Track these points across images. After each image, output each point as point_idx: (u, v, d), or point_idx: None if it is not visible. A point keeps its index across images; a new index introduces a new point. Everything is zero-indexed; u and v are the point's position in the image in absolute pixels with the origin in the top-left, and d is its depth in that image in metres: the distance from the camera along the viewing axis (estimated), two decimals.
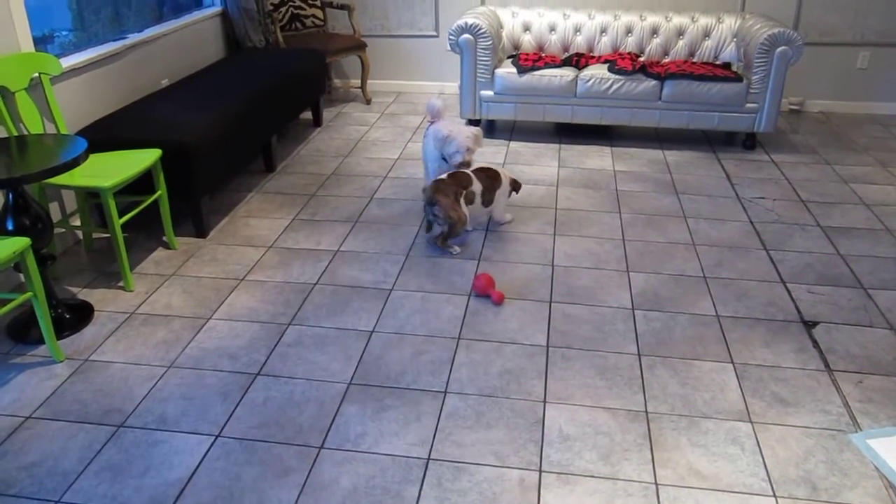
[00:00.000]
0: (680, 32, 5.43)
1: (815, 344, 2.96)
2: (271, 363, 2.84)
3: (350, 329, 3.06)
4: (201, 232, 3.84)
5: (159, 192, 3.58)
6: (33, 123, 3.35)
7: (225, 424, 2.51)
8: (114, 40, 4.25)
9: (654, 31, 5.46)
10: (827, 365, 2.83)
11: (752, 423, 2.52)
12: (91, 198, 3.62)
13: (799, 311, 3.18)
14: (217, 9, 5.44)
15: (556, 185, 4.51)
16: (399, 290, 3.35)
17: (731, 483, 2.27)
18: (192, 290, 3.37)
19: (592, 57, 5.40)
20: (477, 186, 3.72)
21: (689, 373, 2.77)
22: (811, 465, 2.34)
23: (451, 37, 5.12)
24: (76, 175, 3.27)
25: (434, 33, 6.31)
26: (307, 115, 5.82)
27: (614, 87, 4.99)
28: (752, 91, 4.91)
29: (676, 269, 3.53)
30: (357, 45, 5.94)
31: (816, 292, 3.33)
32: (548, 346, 2.93)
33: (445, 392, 2.67)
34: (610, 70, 5.02)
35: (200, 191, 3.74)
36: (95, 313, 3.19)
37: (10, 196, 2.89)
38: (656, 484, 2.26)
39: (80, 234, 3.81)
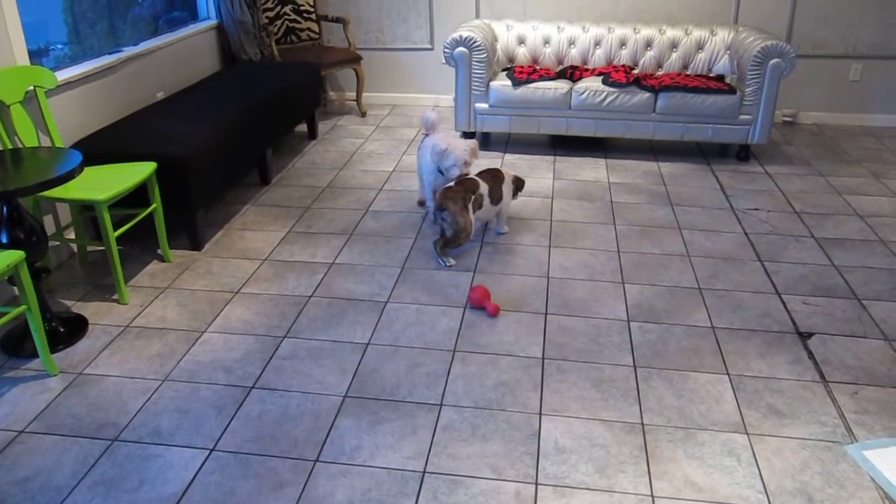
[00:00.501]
0: (673, 45, 5.46)
1: (811, 355, 2.96)
2: (266, 376, 2.83)
3: (345, 342, 3.05)
4: (196, 245, 3.84)
5: (154, 205, 3.58)
6: (28, 136, 3.35)
7: (220, 438, 2.50)
8: (109, 53, 4.26)
9: (648, 44, 5.49)
10: (822, 376, 2.83)
11: (748, 434, 2.52)
12: (86, 211, 3.61)
13: (794, 323, 3.19)
14: (212, 22, 5.45)
15: (551, 197, 4.52)
16: (394, 302, 3.35)
17: (727, 495, 2.26)
18: (186, 302, 3.36)
19: (587, 69, 5.42)
20: (484, 188, 3.76)
21: (685, 384, 2.77)
22: (807, 476, 2.33)
23: (445, 50, 5.14)
24: (71, 188, 3.27)
25: (429, 46, 6.34)
26: (302, 127, 5.83)
27: (608, 99, 5.02)
28: (745, 103, 4.93)
29: (671, 280, 3.54)
30: (352, 58, 5.96)
31: (811, 303, 3.34)
32: (543, 358, 2.93)
33: (441, 405, 2.66)
34: (604, 82, 5.04)
35: (196, 204, 3.73)
36: (90, 326, 3.18)
37: (5, 209, 2.89)
38: (652, 496, 2.26)
39: (74, 247, 3.81)
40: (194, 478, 2.33)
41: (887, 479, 2.31)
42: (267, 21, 5.91)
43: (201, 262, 3.73)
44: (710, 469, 2.36)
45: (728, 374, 2.84)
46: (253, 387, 2.77)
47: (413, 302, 3.35)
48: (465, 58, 5.10)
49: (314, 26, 6.22)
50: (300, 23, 6.15)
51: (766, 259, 3.75)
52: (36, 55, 3.77)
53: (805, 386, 2.77)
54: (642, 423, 2.57)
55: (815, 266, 3.68)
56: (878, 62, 5.81)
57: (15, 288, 3.35)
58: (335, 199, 4.50)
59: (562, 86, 5.08)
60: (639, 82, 5.02)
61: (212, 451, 2.45)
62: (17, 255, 2.68)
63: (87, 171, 3.49)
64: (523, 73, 5.20)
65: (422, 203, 4.39)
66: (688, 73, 5.42)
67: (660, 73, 5.46)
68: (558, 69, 5.48)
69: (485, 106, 5.22)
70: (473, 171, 3.90)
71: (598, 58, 5.56)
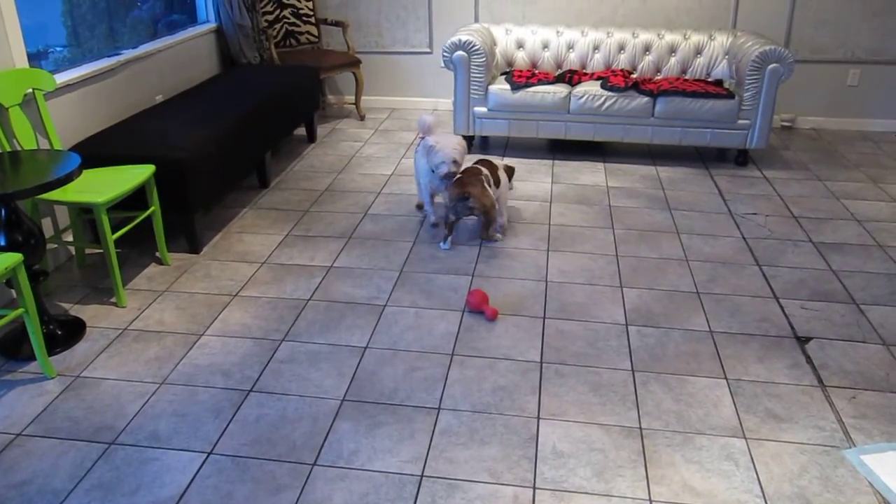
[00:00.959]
0: (672, 50, 5.47)
1: (809, 360, 2.96)
2: (264, 380, 2.83)
3: (343, 345, 3.05)
4: (195, 248, 3.84)
5: (153, 208, 3.58)
6: (27, 139, 3.35)
7: (217, 441, 2.50)
8: (108, 56, 4.26)
9: (647, 49, 5.50)
10: (820, 381, 2.83)
11: (746, 439, 2.51)
12: (84, 213, 3.61)
13: (792, 327, 3.19)
14: (212, 25, 5.45)
15: (550, 201, 4.52)
16: (392, 306, 3.35)
17: (725, 500, 2.26)
18: (185, 306, 3.36)
19: (585, 74, 5.42)
20: (485, 171, 3.91)
21: (683, 389, 2.77)
22: (805, 481, 2.33)
23: (444, 53, 5.15)
24: (69, 191, 3.26)
25: (428, 50, 6.34)
26: (301, 131, 5.83)
27: (607, 103, 5.02)
28: (743, 108, 4.94)
29: (670, 284, 3.54)
30: (351, 62, 5.96)
31: (809, 308, 3.34)
32: (541, 363, 2.93)
33: (439, 408, 2.66)
34: (603, 87, 5.05)
35: (194, 207, 3.73)
36: (87, 329, 3.17)
37: (3, 212, 2.88)
38: (650, 501, 2.25)
39: (72, 249, 3.80)
40: (191, 481, 2.33)
41: (885, 483, 2.31)
42: (266, 24, 5.91)
43: (199, 266, 3.73)
44: (708, 473, 2.36)
45: (726, 378, 2.84)
46: (251, 390, 2.76)
47: (411, 305, 3.35)
48: (463, 62, 5.11)
49: (313, 30, 6.22)
50: (299, 26, 6.15)
51: (765, 263, 3.75)
52: (35, 58, 3.77)
53: (803, 390, 2.77)
54: (640, 428, 2.57)
55: (814, 270, 3.68)
56: (876, 67, 5.82)
57: (13, 290, 3.35)
58: (334, 203, 4.50)
59: (560, 90, 5.08)
60: (637, 87, 5.03)
61: (209, 454, 2.44)
62: (15, 257, 2.67)
63: (86, 173, 3.49)
64: (522, 77, 5.20)
65: (420, 207, 4.39)
66: (686, 77, 5.43)
67: (658, 77, 5.47)
68: (557, 73, 5.48)
69: (484, 110, 5.22)
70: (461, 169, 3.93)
71: (596, 62, 5.57)
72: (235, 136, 4.14)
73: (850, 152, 5.46)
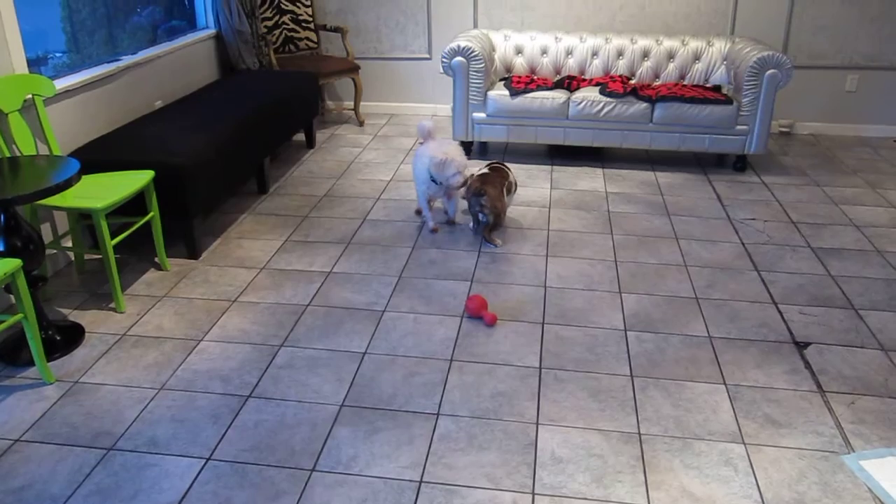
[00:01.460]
0: (670, 55, 5.48)
1: (807, 365, 2.96)
2: (263, 385, 2.82)
3: (342, 351, 3.05)
4: (193, 253, 3.84)
5: (152, 214, 3.58)
6: (26, 145, 3.35)
7: (216, 447, 2.50)
8: (108, 62, 4.27)
9: (645, 54, 5.51)
10: (819, 386, 2.83)
11: (745, 444, 2.51)
12: (83, 219, 3.61)
13: (791, 333, 3.19)
14: (211, 31, 5.46)
15: (549, 207, 4.52)
16: (391, 311, 3.35)
17: None
18: (183, 311, 3.36)
19: (584, 79, 5.44)
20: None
21: (682, 394, 2.77)
22: (804, 486, 2.33)
23: (443, 59, 5.16)
24: (68, 196, 3.27)
25: (427, 56, 6.36)
26: (300, 136, 5.83)
27: (606, 109, 5.03)
28: (742, 113, 4.95)
29: (668, 290, 3.54)
30: (350, 68, 5.97)
31: (808, 313, 3.34)
32: (540, 368, 2.93)
33: (438, 414, 2.66)
34: (601, 92, 5.06)
35: (193, 212, 3.74)
36: (86, 335, 3.17)
37: (2, 217, 2.89)
38: None
39: (71, 255, 3.80)
40: (190, 487, 2.32)
41: (885, 489, 2.31)
42: (265, 30, 5.93)
43: (198, 271, 3.73)
44: (707, 479, 2.36)
45: (725, 383, 2.84)
46: (250, 396, 2.76)
47: (410, 311, 3.35)
48: (462, 68, 5.12)
49: (312, 36, 6.23)
50: (298, 32, 6.17)
51: (763, 269, 3.75)
52: (35, 63, 3.77)
53: (802, 396, 2.77)
54: (639, 433, 2.57)
55: (812, 276, 3.68)
56: (874, 73, 5.83)
57: (12, 296, 3.35)
58: (333, 208, 4.50)
59: (559, 95, 5.09)
60: (636, 92, 5.04)
61: (208, 460, 2.44)
62: (14, 263, 2.67)
63: (85, 179, 3.49)
64: (521, 83, 5.21)
65: (419, 212, 4.40)
66: (685, 83, 5.44)
67: (657, 83, 5.48)
68: (556, 79, 5.49)
69: (482, 115, 5.23)
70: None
71: (595, 68, 5.58)
72: (234, 141, 4.14)
73: (849, 158, 5.47)
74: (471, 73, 5.12)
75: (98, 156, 3.68)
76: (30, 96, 3.42)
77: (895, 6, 5.63)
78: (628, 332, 3.18)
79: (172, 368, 2.93)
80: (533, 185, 4.88)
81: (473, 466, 2.41)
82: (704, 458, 2.45)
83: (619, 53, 5.54)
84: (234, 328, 3.22)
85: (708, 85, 5.38)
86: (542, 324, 3.25)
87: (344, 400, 2.74)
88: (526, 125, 5.19)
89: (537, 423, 2.61)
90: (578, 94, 5.09)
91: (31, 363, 2.95)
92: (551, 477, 2.37)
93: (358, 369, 2.92)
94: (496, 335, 3.16)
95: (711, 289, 3.55)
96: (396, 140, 5.85)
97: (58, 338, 3.07)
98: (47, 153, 3.54)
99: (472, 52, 5.07)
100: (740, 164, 5.19)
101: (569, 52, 5.61)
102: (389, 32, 6.32)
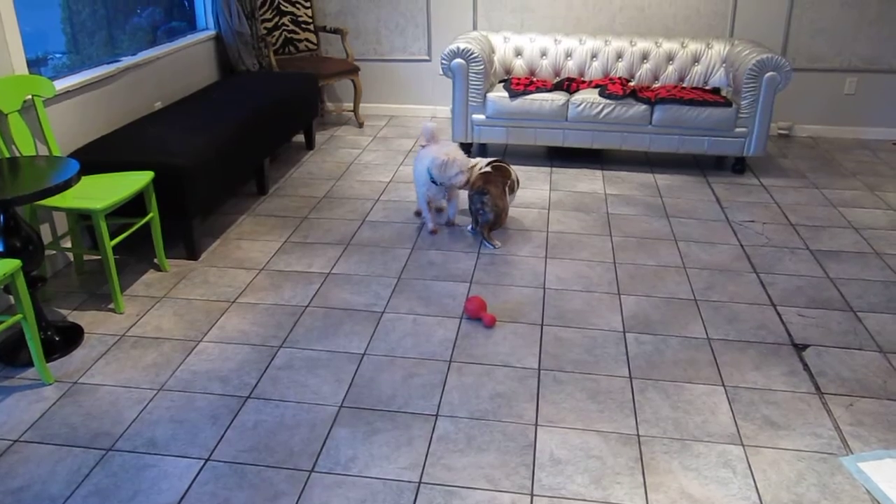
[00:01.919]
0: (670, 58, 5.49)
1: (806, 367, 2.96)
2: (262, 386, 2.83)
3: (341, 352, 3.05)
4: (193, 254, 3.84)
5: (151, 215, 3.58)
6: (26, 145, 3.35)
7: (215, 448, 2.50)
8: (108, 63, 4.27)
9: (645, 57, 5.52)
10: (817, 388, 2.83)
11: (743, 446, 2.52)
12: (82, 220, 3.61)
13: (789, 334, 3.19)
14: (211, 32, 5.47)
15: (548, 209, 4.53)
16: (390, 312, 3.35)
17: None
18: (182, 312, 3.36)
19: (583, 81, 5.44)
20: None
21: (681, 396, 2.77)
22: (803, 488, 2.33)
23: (443, 61, 5.16)
24: (68, 197, 3.27)
25: (426, 58, 6.36)
26: (300, 138, 5.83)
27: (605, 111, 5.03)
28: (741, 116, 4.95)
29: (667, 291, 3.54)
30: (350, 69, 5.98)
31: (806, 315, 3.35)
32: (539, 369, 2.93)
33: (437, 415, 2.66)
34: (601, 94, 5.07)
35: (192, 213, 3.74)
36: (85, 336, 3.17)
37: (2, 218, 2.89)
38: None
39: (71, 255, 3.80)
40: (189, 488, 2.32)
41: (883, 491, 2.31)
42: (265, 32, 5.93)
43: (198, 272, 3.73)
44: (705, 481, 2.36)
45: (724, 385, 2.84)
46: (248, 397, 2.76)
47: (409, 312, 3.35)
48: (462, 69, 5.12)
49: (312, 37, 6.24)
50: (298, 34, 6.17)
51: (762, 271, 3.76)
52: (34, 64, 3.77)
53: (800, 398, 2.77)
54: (638, 435, 2.57)
55: (811, 278, 3.69)
56: (872, 76, 5.84)
57: (11, 297, 3.35)
58: (332, 210, 4.50)
59: (558, 97, 5.10)
60: (635, 95, 5.04)
61: (207, 461, 2.44)
62: (13, 263, 2.67)
63: (85, 180, 3.49)
64: (520, 85, 5.21)
65: (418, 213, 4.40)
66: (684, 85, 5.45)
67: (656, 85, 5.48)
68: (555, 81, 5.50)
69: (482, 117, 5.24)
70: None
71: (594, 70, 5.59)
72: (234, 142, 4.15)
73: (848, 160, 5.48)
74: (470, 74, 5.13)
75: (97, 157, 3.68)
76: (29, 97, 3.42)
77: (893, 9, 5.64)
78: (627, 334, 3.18)
79: (171, 369, 2.93)
80: (532, 187, 4.89)
81: (472, 467, 2.41)
82: (703, 459, 2.45)
83: (619, 55, 5.55)
84: (233, 329, 3.22)
85: (707, 87, 5.39)
86: (541, 325, 3.25)
87: (343, 401, 2.74)
88: (525, 127, 5.20)
89: (536, 425, 2.61)
90: (578, 96, 5.09)
91: (30, 364, 2.95)
92: (550, 478, 2.37)
93: (357, 370, 2.92)
94: (495, 336, 3.16)
95: (710, 290, 3.56)
96: (396, 141, 5.85)
97: (57, 338, 3.07)
98: (47, 154, 3.55)
99: (472, 53, 5.08)
100: (739, 166, 5.20)
101: (568, 54, 5.61)
102: (389, 34, 6.33)
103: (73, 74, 3.97)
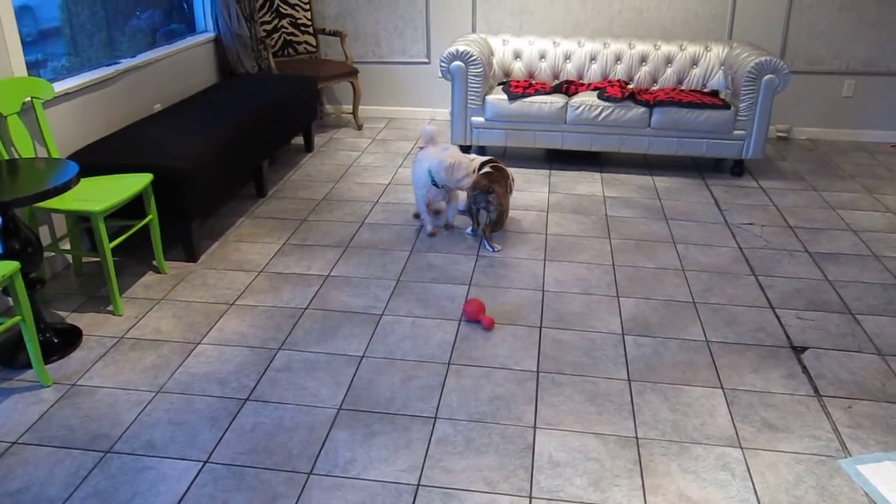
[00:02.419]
0: (668, 60, 5.50)
1: (805, 369, 2.96)
2: (261, 388, 2.82)
3: (340, 354, 3.05)
4: (192, 256, 3.84)
5: (150, 217, 3.58)
6: (25, 147, 3.35)
7: (213, 450, 2.49)
8: (107, 65, 4.27)
9: (643, 59, 5.52)
10: (816, 390, 2.83)
11: (742, 448, 2.52)
12: (82, 221, 3.61)
13: (788, 337, 3.20)
14: (210, 35, 5.47)
15: (547, 211, 4.53)
16: (389, 315, 3.35)
17: None
18: (181, 314, 3.36)
19: (582, 84, 5.45)
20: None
21: (679, 398, 2.77)
22: (801, 491, 2.33)
23: (442, 64, 5.16)
24: (67, 199, 3.27)
25: (426, 60, 6.37)
26: (299, 140, 5.83)
27: (604, 113, 5.04)
28: (739, 118, 4.96)
29: (666, 294, 3.54)
30: (349, 72, 5.98)
31: (805, 318, 3.35)
32: (538, 372, 2.93)
33: (435, 418, 2.66)
34: (599, 97, 5.07)
35: (191, 215, 3.74)
36: (84, 338, 3.17)
37: (1, 220, 2.89)
38: None
39: (70, 257, 3.80)
40: (187, 490, 2.32)
41: (882, 494, 2.31)
42: (264, 34, 5.93)
43: (196, 274, 3.73)
44: (704, 483, 2.36)
45: (722, 388, 2.84)
46: (247, 399, 2.76)
47: (408, 315, 3.35)
48: (461, 72, 5.12)
49: (311, 39, 6.24)
50: (297, 36, 6.17)
51: (761, 273, 3.76)
52: (34, 66, 3.78)
53: (799, 400, 2.77)
54: (636, 437, 2.57)
55: (810, 281, 3.69)
56: (870, 78, 5.85)
57: (9, 298, 3.34)
58: (331, 212, 4.50)
59: (557, 100, 5.10)
60: (634, 97, 5.05)
61: (205, 463, 2.44)
62: (12, 265, 2.67)
63: (84, 182, 3.49)
64: (519, 88, 5.22)
65: (417, 216, 4.40)
66: (682, 88, 5.45)
67: (655, 88, 5.49)
68: (554, 83, 5.50)
69: (481, 120, 5.24)
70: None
71: (593, 72, 5.59)
72: (233, 145, 4.15)
73: (846, 163, 5.49)
74: (469, 77, 5.13)
75: (97, 159, 3.68)
76: (29, 99, 3.42)
77: (892, 12, 5.64)
78: (626, 336, 3.18)
79: (170, 371, 2.93)
80: (531, 190, 4.89)
81: (471, 470, 2.41)
82: (701, 462, 2.45)
83: (618, 58, 5.55)
84: (231, 331, 3.21)
85: (706, 90, 5.39)
86: (540, 328, 3.25)
87: (342, 403, 2.74)
88: (524, 129, 5.20)
89: (535, 427, 2.61)
90: (577, 99, 5.10)
91: (28, 365, 2.95)
92: (548, 481, 2.37)
93: (356, 373, 2.92)
94: (494, 339, 3.16)
95: (709, 293, 3.56)
96: (395, 144, 5.86)
97: (55, 340, 3.07)
98: (46, 156, 3.54)
99: (471, 56, 5.08)
100: (738, 168, 5.20)
101: (567, 57, 5.62)
102: (388, 37, 6.33)
103: (72, 76, 3.97)
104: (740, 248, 4.04)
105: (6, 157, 3.26)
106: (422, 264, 3.82)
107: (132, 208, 3.67)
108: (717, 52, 5.43)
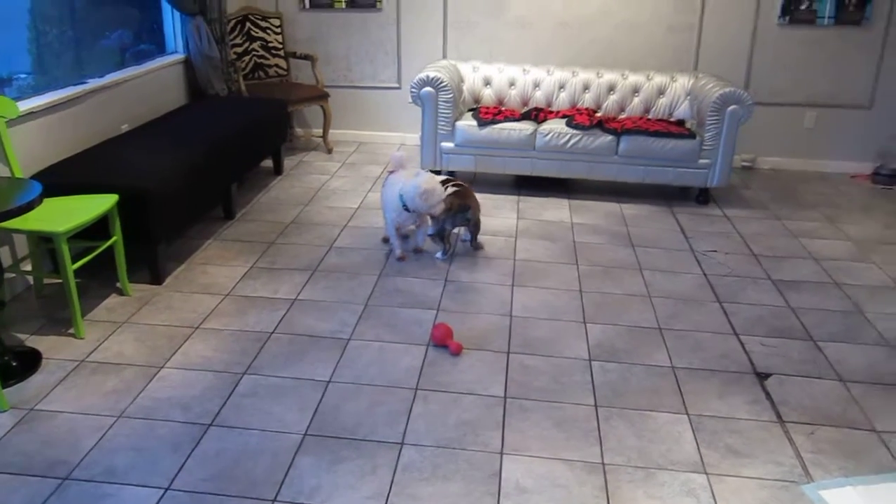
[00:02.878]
0: (636, 90, 5.58)
1: (768, 395, 3.00)
2: (225, 414, 2.78)
3: (306, 379, 3.02)
4: (157, 279, 3.79)
5: (115, 238, 3.53)
6: None
7: (175, 477, 2.45)
8: (74, 85, 4.23)
9: (611, 88, 5.61)
10: (779, 416, 2.86)
11: (707, 474, 2.53)
12: (44, 242, 3.55)
13: (752, 363, 3.23)
14: (180, 56, 5.45)
15: (515, 237, 4.55)
16: (356, 339, 3.33)
17: None
18: (145, 338, 3.31)
19: (551, 112, 5.51)
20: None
21: (645, 424, 2.79)
22: None
23: (412, 89, 5.19)
24: (29, 219, 3.21)
25: (396, 85, 6.40)
26: (268, 163, 5.81)
27: (572, 141, 5.09)
28: (704, 147, 5.04)
29: (632, 320, 3.57)
30: (319, 95, 5.99)
31: (768, 344, 3.39)
32: (505, 397, 2.92)
33: (402, 444, 2.64)
34: (568, 125, 5.13)
35: (157, 237, 3.70)
36: (44, 361, 3.10)
37: None
38: None
39: (30, 279, 3.73)
40: None
41: None
42: (235, 56, 5.92)
43: (161, 297, 3.68)
44: None
45: (687, 413, 2.86)
46: (211, 424, 2.72)
47: (375, 339, 3.33)
48: (431, 97, 5.16)
49: (282, 63, 6.25)
50: (268, 59, 6.17)
51: (725, 300, 3.81)
52: None
53: (763, 426, 2.80)
54: (603, 463, 2.57)
55: (773, 307, 3.74)
56: (831, 110, 5.99)
57: None
58: (299, 235, 4.48)
59: (526, 127, 5.15)
60: (602, 125, 5.11)
61: (167, 490, 2.39)
62: None
63: (47, 202, 3.44)
64: (489, 114, 5.26)
65: (386, 240, 4.40)
66: (649, 117, 5.54)
67: (622, 116, 5.57)
68: (523, 111, 5.56)
69: (451, 145, 5.27)
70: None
71: (562, 100, 5.66)
72: (201, 166, 4.12)
73: (808, 192, 5.60)
74: (439, 103, 5.17)
75: (61, 179, 3.63)
76: None
77: (851, 47, 5.80)
78: (593, 362, 3.20)
79: (132, 396, 2.88)
80: (499, 216, 4.91)
81: (437, 496, 2.39)
82: (667, 488, 2.46)
83: (586, 87, 5.63)
84: (196, 355, 3.17)
85: (672, 119, 5.48)
86: (508, 353, 3.25)
87: (307, 429, 2.71)
88: (494, 155, 5.24)
89: (502, 453, 2.60)
90: (545, 126, 5.15)
91: None
92: None
93: (322, 398, 2.89)
94: (461, 364, 3.16)
95: (674, 319, 3.59)
96: (365, 168, 5.86)
97: (14, 364, 3.00)
98: (8, 175, 3.49)
99: (441, 82, 5.12)
100: (703, 197, 5.28)
101: (536, 85, 5.68)
102: (359, 61, 6.36)
103: (38, 95, 3.92)
104: (705, 275, 4.09)
105: None
106: (390, 289, 3.81)
107: (96, 229, 3.61)
108: (683, 82, 5.53)
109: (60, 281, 3.59)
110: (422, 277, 3.95)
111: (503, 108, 5.50)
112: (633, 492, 2.44)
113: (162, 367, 3.08)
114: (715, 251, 4.43)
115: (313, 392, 2.93)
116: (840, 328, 3.55)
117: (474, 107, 5.66)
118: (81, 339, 3.29)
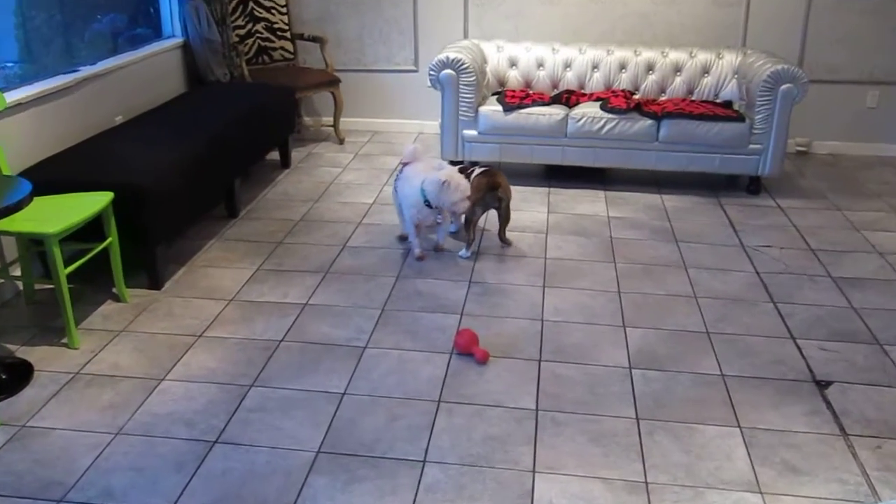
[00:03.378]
0: (677, 69, 5.55)
1: (829, 406, 2.97)
2: (231, 430, 2.80)
3: (319, 391, 3.03)
4: (156, 283, 3.83)
5: (110, 240, 3.57)
6: None
7: (178, 499, 2.47)
8: (64, 73, 4.27)
9: (650, 68, 5.58)
10: (842, 429, 2.84)
11: (761, 493, 2.51)
12: (34, 245, 3.60)
13: (810, 370, 3.20)
14: (178, 40, 5.49)
15: (546, 233, 4.54)
16: (373, 347, 3.34)
17: None
18: (143, 347, 3.34)
19: (584, 94, 5.49)
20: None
21: (693, 439, 2.77)
22: None
23: (431, 72, 5.20)
24: (18, 220, 3.25)
25: (413, 68, 6.41)
26: (274, 155, 5.84)
27: (607, 126, 5.07)
28: (755, 132, 5.00)
29: (676, 324, 3.55)
30: (329, 81, 6.01)
31: (829, 349, 3.36)
32: (537, 410, 2.92)
33: (424, 461, 2.65)
34: (602, 108, 5.11)
35: (156, 238, 3.73)
36: (35, 373, 3.15)
37: None
38: None
39: (20, 284, 3.78)
40: None
41: None
42: (237, 39, 5.96)
43: (161, 303, 3.71)
44: None
45: (739, 426, 2.84)
46: (216, 441, 2.74)
47: (394, 347, 3.34)
48: (452, 81, 5.16)
49: (289, 45, 6.28)
50: (273, 42, 6.21)
51: (780, 300, 3.77)
52: None
53: (823, 440, 2.77)
54: (646, 482, 2.56)
55: (833, 308, 3.71)
56: None
57: None
58: (309, 234, 4.51)
59: (557, 112, 5.14)
60: (640, 109, 5.09)
61: None
62: None
63: (37, 201, 3.48)
64: (515, 98, 5.26)
65: (403, 238, 4.40)
66: (693, 98, 5.50)
67: (662, 98, 5.54)
68: (553, 94, 5.54)
69: (473, 133, 5.27)
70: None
71: (596, 82, 5.64)
72: (202, 161, 4.15)
73: (870, 179, 5.54)
74: (461, 86, 5.16)
75: (52, 175, 3.67)
76: None
77: None
78: (633, 370, 3.19)
79: (131, 411, 2.91)
80: (528, 209, 4.91)
81: None
82: None
83: (622, 66, 5.60)
84: (199, 366, 3.20)
85: (718, 101, 5.44)
86: (539, 361, 3.25)
87: (321, 446, 2.72)
88: (520, 144, 5.23)
89: (533, 471, 2.60)
90: (578, 110, 5.14)
91: None
92: None
93: (336, 412, 2.91)
94: (488, 374, 3.16)
95: (723, 322, 3.57)
96: (380, 159, 5.88)
97: (3, 376, 3.05)
98: None
99: (462, 64, 5.12)
100: (754, 186, 5.24)
101: (567, 65, 5.67)
102: (373, 43, 6.37)
103: (27, 85, 3.97)
104: (757, 273, 4.06)
105: None
106: (409, 291, 3.82)
107: (90, 230, 3.65)
108: (730, 59, 5.49)
109: (52, 286, 3.64)
110: (444, 279, 3.96)
111: (531, 92, 5.49)
112: None
113: (162, 380, 3.11)
114: (768, 246, 4.39)
115: (327, 405, 2.94)
116: None
117: (499, 90, 5.66)
118: (76, 349, 3.33)
